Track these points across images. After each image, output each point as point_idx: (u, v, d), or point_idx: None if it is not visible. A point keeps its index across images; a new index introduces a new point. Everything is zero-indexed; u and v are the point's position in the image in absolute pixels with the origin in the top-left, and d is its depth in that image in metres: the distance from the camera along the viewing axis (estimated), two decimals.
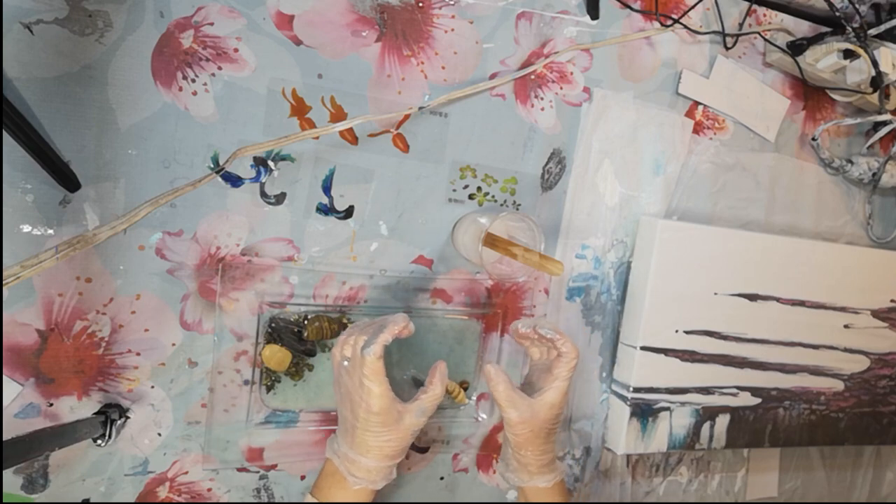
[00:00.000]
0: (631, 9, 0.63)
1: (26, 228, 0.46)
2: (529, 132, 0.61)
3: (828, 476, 0.84)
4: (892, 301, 0.75)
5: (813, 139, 0.73)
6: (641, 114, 0.65)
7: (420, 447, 0.61)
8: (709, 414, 0.67)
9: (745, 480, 0.78)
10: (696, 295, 0.64)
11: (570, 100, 0.62)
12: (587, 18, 0.62)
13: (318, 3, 0.52)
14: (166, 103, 0.49)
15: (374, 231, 0.57)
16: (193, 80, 0.50)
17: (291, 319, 0.55)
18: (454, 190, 0.59)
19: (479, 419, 0.63)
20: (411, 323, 0.48)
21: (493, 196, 0.61)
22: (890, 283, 0.75)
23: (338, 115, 0.54)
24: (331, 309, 0.56)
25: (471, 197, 0.60)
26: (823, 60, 0.69)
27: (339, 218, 0.55)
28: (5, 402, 0.47)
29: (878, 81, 0.66)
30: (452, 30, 0.57)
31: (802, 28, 0.72)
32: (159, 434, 0.52)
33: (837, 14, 0.67)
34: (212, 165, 0.51)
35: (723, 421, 0.68)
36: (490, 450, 0.64)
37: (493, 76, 0.59)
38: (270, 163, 0.53)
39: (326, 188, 0.55)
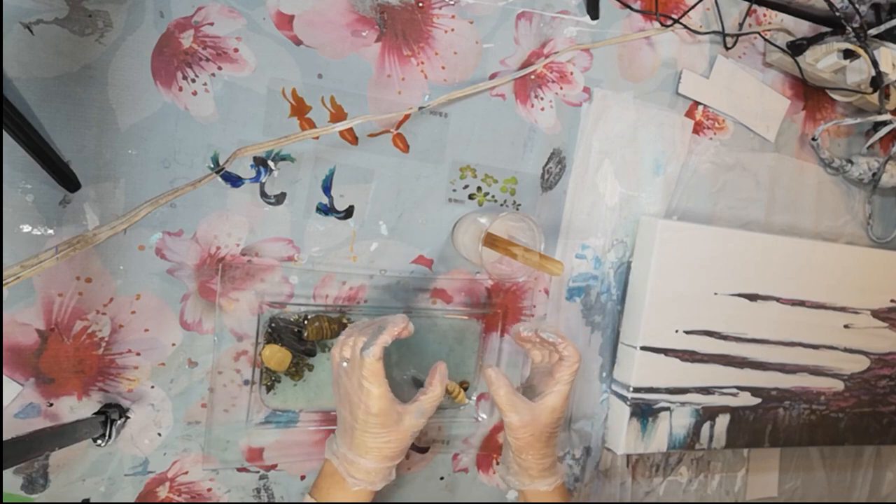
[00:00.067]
0: (631, 9, 0.63)
1: (26, 228, 0.46)
2: (529, 132, 0.61)
3: (828, 476, 0.84)
4: (892, 301, 0.75)
5: (813, 139, 0.73)
6: (641, 114, 0.65)
7: (420, 447, 0.61)
8: (709, 414, 0.67)
9: (745, 480, 0.78)
10: (696, 295, 0.64)
11: (570, 100, 0.62)
12: (587, 18, 0.62)
13: (318, 3, 0.52)
14: (166, 103, 0.49)
15: (374, 231, 0.57)
16: (193, 80, 0.50)
17: (291, 319, 0.55)
18: (454, 190, 0.59)
19: (479, 419, 0.63)
20: (411, 323, 0.48)
21: (493, 196, 0.61)
22: (890, 283, 0.75)
23: (338, 115, 0.54)
24: (331, 309, 0.56)
25: (471, 197, 0.60)
26: (823, 60, 0.69)
27: (339, 218, 0.55)
28: (5, 402, 0.47)
29: (878, 81, 0.66)
30: (452, 30, 0.57)
31: (802, 28, 0.72)
32: (159, 434, 0.52)
33: (837, 14, 0.67)
34: (212, 165, 0.51)
35: (723, 421, 0.68)
36: (490, 450, 0.64)
37: (493, 76, 0.59)
38: (270, 163, 0.53)
39: (326, 188, 0.55)
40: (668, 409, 0.65)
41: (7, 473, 0.49)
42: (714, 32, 0.67)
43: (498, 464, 0.65)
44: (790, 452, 0.80)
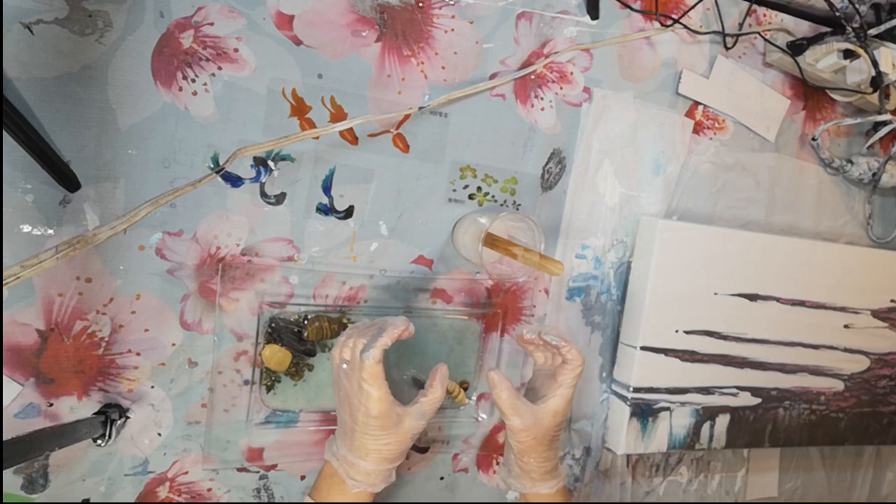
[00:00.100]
0: (631, 9, 0.63)
1: (26, 228, 0.46)
2: (529, 132, 0.61)
3: (828, 476, 0.84)
4: (892, 301, 0.75)
5: (813, 139, 0.73)
6: (641, 114, 0.65)
7: (420, 447, 0.61)
8: (709, 414, 0.67)
9: (745, 480, 0.78)
10: (696, 295, 0.64)
11: (570, 100, 0.62)
12: (587, 18, 0.62)
13: (318, 3, 0.52)
14: (166, 103, 0.49)
15: (374, 231, 0.57)
16: (193, 80, 0.50)
17: (291, 319, 0.55)
18: (454, 190, 0.59)
19: (479, 419, 0.63)
20: (411, 325, 0.48)
21: (493, 196, 0.61)
22: (890, 283, 0.75)
23: (338, 115, 0.54)
24: (331, 309, 0.56)
25: (471, 197, 0.60)
26: (823, 60, 0.69)
27: (339, 218, 0.55)
28: (5, 402, 0.47)
29: (878, 81, 0.66)
30: (452, 30, 0.57)
31: (802, 28, 0.72)
32: (159, 434, 0.52)
33: (837, 14, 0.67)
34: (212, 165, 0.51)
35: (723, 421, 0.68)
36: (490, 450, 0.64)
37: (493, 76, 0.59)
38: (270, 163, 0.53)
39: (326, 188, 0.55)
40: (668, 409, 0.65)
41: (7, 473, 0.49)
42: (714, 32, 0.67)
43: (498, 464, 0.65)
44: (790, 452, 0.80)
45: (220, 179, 0.51)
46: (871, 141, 0.77)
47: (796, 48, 0.68)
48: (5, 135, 0.43)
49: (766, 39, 0.69)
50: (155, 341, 0.51)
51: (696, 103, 0.68)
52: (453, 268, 0.60)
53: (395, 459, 0.48)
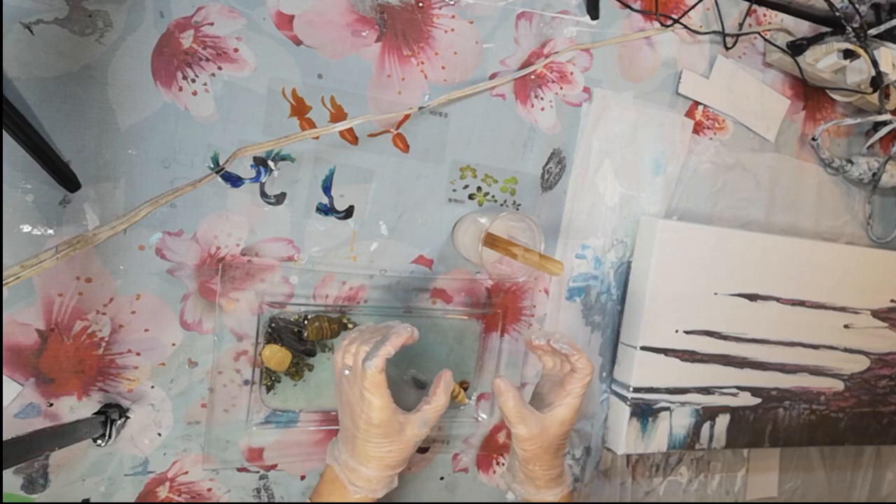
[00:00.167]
0: (631, 9, 0.63)
1: (26, 228, 0.46)
2: (529, 132, 0.61)
3: (828, 476, 0.84)
4: (892, 301, 0.75)
5: (813, 139, 0.73)
6: (641, 114, 0.65)
7: (420, 447, 0.61)
8: (709, 414, 0.67)
9: (745, 480, 0.78)
10: (696, 295, 0.64)
11: (570, 100, 0.62)
12: (587, 18, 0.62)
13: (318, 3, 0.52)
14: (166, 103, 0.49)
15: (374, 231, 0.57)
16: (193, 80, 0.50)
17: (291, 319, 0.55)
18: (454, 190, 0.59)
19: (479, 419, 0.63)
20: (416, 331, 0.47)
21: (493, 196, 0.61)
22: (890, 283, 0.75)
23: (338, 115, 0.54)
24: (331, 309, 0.56)
25: (471, 197, 0.60)
26: (823, 60, 0.69)
27: (339, 218, 0.55)
28: (5, 402, 0.47)
29: (878, 81, 0.66)
30: (452, 30, 0.57)
31: (802, 28, 0.72)
32: (159, 434, 0.52)
33: (837, 14, 0.67)
34: (212, 165, 0.51)
35: (723, 421, 0.68)
36: (490, 450, 0.64)
37: (493, 76, 0.59)
38: (270, 163, 0.53)
39: (326, 188, 0.55)
40: (668, 409, 0.65)
41: (7, 473, 0.49)
42: (714, 32, 0.67)
43: (499, 464, 0.65)
44: (790, 452, 0.80)
45: (220, 179, 0.51)
46: (871, 141, 0.77)
47: (796, 48, 0.68)
48: (5, 135, 0.43)
49: (766, 39, 0.69)
50: (155, 341, 0.51)
51: (696, 103, 0.68)
52: (453, 268, 0.60)
53: (397, 466, 0.48)
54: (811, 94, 0.74)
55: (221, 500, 0.55)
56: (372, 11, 0.54)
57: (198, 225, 0.51)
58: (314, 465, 0.58)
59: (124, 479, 0.52)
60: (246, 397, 0.54)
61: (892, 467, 0.90)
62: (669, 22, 0.64)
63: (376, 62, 0.55)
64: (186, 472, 0.54)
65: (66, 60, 0.46)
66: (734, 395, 0.68)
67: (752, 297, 0.67)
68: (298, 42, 0.52)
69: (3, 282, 0.42)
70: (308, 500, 0.49)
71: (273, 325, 0.54)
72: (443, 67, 0.57)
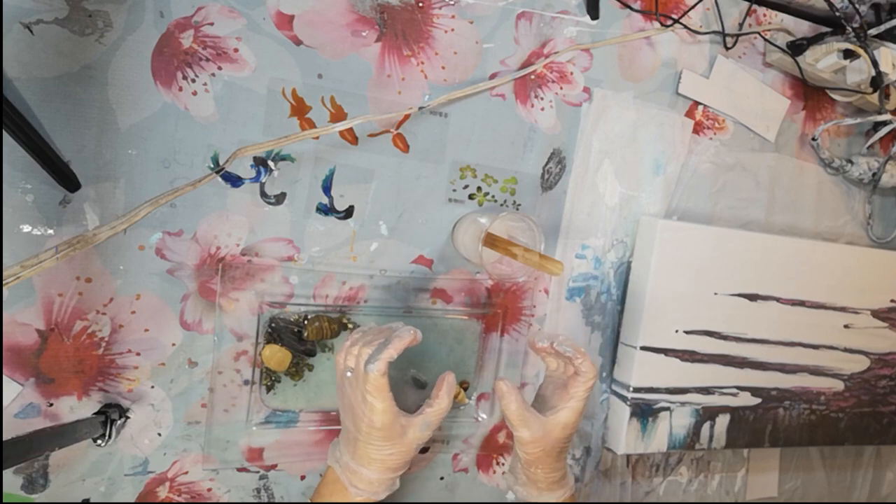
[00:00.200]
0: (631, 9, 0.63)
1: (26, 228, 0.46)
2: (529, 132, 0.61)
3: (828, 476, 0.84)
4: (892, 301, 0.75)
5: (813, 139, 0.73)
6: (641, 114, 0.65)
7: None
8: (709, 414, 0.67)
9: (745, 480, 0.78)
10: (696, 295, 0.64)
11: (570, 100, 0.62)
12: (587, 18, 0.62)
13: (318, 3, 0.52)
14: (166, 103, 0.49)
15: (374, 231, 0.57)
16: (193, 80, 0.50)
17: (291, 319, 0.55)
18: (454, 190, 0.59)
19: (479, 419, 0.63)
20: (419, 333, 0.47)
21: (493, 196, 0.61)
22: (890, 283, 0.75)
23: (338, 115, 0.54)
24: (331, 309, 0.56)
25: (471, 197, 0.60)
26: (823, 60, 0.69)
27: (339, 218, 0.55)
28: (5, 402, 0.47)
29: (878, 81, 0.66)
30: (452, 30, 0.57)
31: (802, 28, 0.72)
32: (159, 434, 0.52)
33: (837, 14, 0.67)
34: (212, 165, 0.51)
35: (723, 421, 0.68)
36: (490, 450, 0.64)
37: (493, 76, 0.59)
38: (270, 163, 0.53)
39: (326, 188, 0.55)
40: (668, 409, 0.65)
41: (7, 473, 0.49)
42: (714, 32, 0.67)
43: (499, 464, 0.65)
44: (790, 452, 0.80)
45: (220, 179, 0.51)
46: (871, 141, 0.77)
47: (796, 48, 0.68)
48: (5, 135, 0.43)
49: (766, 39, 0.69)
50: (155, 341, 0.51)
51: (696, 103, 0.68)
52: (453, 268, 0.60)
53: (398, 469, 0.47)
54: (811, 94, 0.74)
55: (221, 500, 0.55)
56: (372, 11, 0.54)
57: (198, 225, 0.51)
58: (314, 465, 0.58)
59: (124, 479, 0.52)
60: (246, 397, 0.54)
61: (892, 467, 0.90)
62: (669, 22, 0.64)
63: (376, 62, 0.55)
64: (186, 472, 0.54)
65: (66, 60, 0.46)
66: (734, 395, 0.68)
67: (752, 297, 0.67)
68: (298, 42, 0.52)
69: (3, 282, 0.42)
70: (309, 501, 0.49)
71: (273, 325, 0.54)
72: (443, 67, 0.57)
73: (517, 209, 0.61)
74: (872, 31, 0.67)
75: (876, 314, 0.74)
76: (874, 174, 0.75)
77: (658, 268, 0.62)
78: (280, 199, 0.53)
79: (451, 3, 0.56)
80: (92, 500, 0.51)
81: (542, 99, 0.61)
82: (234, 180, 0.52)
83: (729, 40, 0.67)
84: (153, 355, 0.51)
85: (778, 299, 0.68)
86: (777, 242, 0.68)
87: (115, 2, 0.47)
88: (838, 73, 0.70)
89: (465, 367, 0.62)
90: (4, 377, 0.47)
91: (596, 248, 0.65)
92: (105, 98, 0.47)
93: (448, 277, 0.60)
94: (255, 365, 0.54)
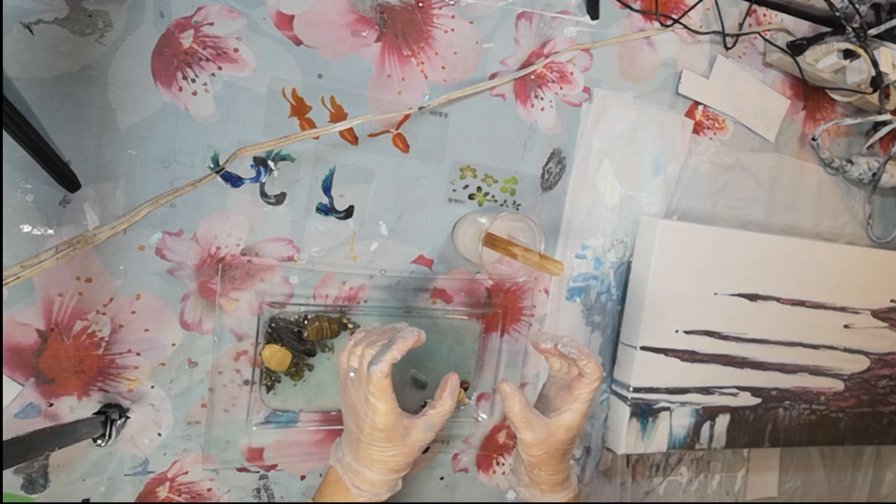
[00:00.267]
0: (631, 9, 0.63)
1: (26, 228, 0.46)
2: (529, 132, 0.61)
3: (828, 476, 0.84)
4: (892, 301, 0.75)
5: (813, 139, 0.73)
6: (641, 114, 0.65)
7: None
8: (709, 414, 0.67)
9: (745, 480, 0.78)
10: (696, 295, 0.64)
11: (570, 100, 0.62)
12: (587, 18, 0.62)
13: (318, 3, 0.52)
14: (166, 103, 0.49)
15: (374, 231, 0.57)
16: (193, 80, 0.50)
17: (291, 319, 0.55)
18: (454, 190, 0.59)
19: (479, 419, 0.63)
20: (423, 334, 0.46)
21: (493, 196, 0.61)
22: (890, 283, 0.75)
23: (338, 115, 0.54)
24: (331, 309, 0.56)
25: (471, 197, 0.60)
26: (823, 60, 0.69)
27: (339, 218, 0.55)
28: (5, 402, 0.47)
29: (878, 81, 0.66)
30: (452, 30, 0.57)
31: (802, 28, 0.72)
32: (159, 434, 0.52)
33: (837, 14, 0.67)
34: (212, 165, 0.51)
35: (723, 421, 0.68)
36: (490, 450, 0.64)
37: (493, 76, 0.59)
38: (270, 163, 0.53)
39: (326, 188, 0.55)
40: (668, 409, 0.65)
41: (7, 473, 0.49)
42: (714, 32, 0.67)
43: (499, 464, 0.65)
44: (790, 452, 0.80)
45: (220, 179, 0.51)
46: (871, 141, 0.77)
47: (796, 48, 0.68)
48: (5, 135, 0.43)
49: (766, 39, 0.69)
50: (155, 341, 0.51)
51: (696, 103, 0.68)
52: (453, 268, 0.60)
53: (401, 470, 0.47)
54: (811, 94, 0.74)
55: (221, 500, 0.55)
56: (372, 11, 0.54)
57: (198, 225, 0.51)
58: (314, 465, 0.58)
59: (124, 479, 0.52)
60: (246, 397, 0.54)
61: (892, 467, 0.90)
62: (669, 22, 0.64)
63: (376, 62, 0.55)
64: (186, 472, 0.54)
65: (66, 60, 0.46)
66: (734, 395, 0.68)
67: (752, 297, 0.67)
68: (298, 42, 0.52)
69: (3, 282, 0.42)
70: (309, 501, 0.49)
71: (273, 325, 0.54)
72: (443, 67, 0.57)
73: (517, 209, 0.61)
74: (872, 31, 0.67)
75: (876, 314, 0.74)
76: (874, 174, 0.75)
77: (658, 268, 0.62)
78: (280, 199, 0.53)
79: (451, 3, 0.56)
80: (92, 500, 0.51)
81: (542, 99, 0.61)
82: (234, 180, 0.52)
83: (729, 40, 0.67)
84: (153, 355, 0.51)
85: (778, 299, 0.68)
86: (777, 242, 0.68)
87: (115, 2, 0.47)
88: (838, 73, 0.70)
89: (465, 367, 0.62)
90: (4, 377, 0.47)
91: (596, 248, 0.65)
92: (105, 98, 0.47)
93: (448, 277, 0.60)
94: (255, 365, 0.54)
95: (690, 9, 0.65)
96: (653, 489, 0.73)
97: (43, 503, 0.50)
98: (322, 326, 0.55)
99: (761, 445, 0.71)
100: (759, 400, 0.69)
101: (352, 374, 0.47)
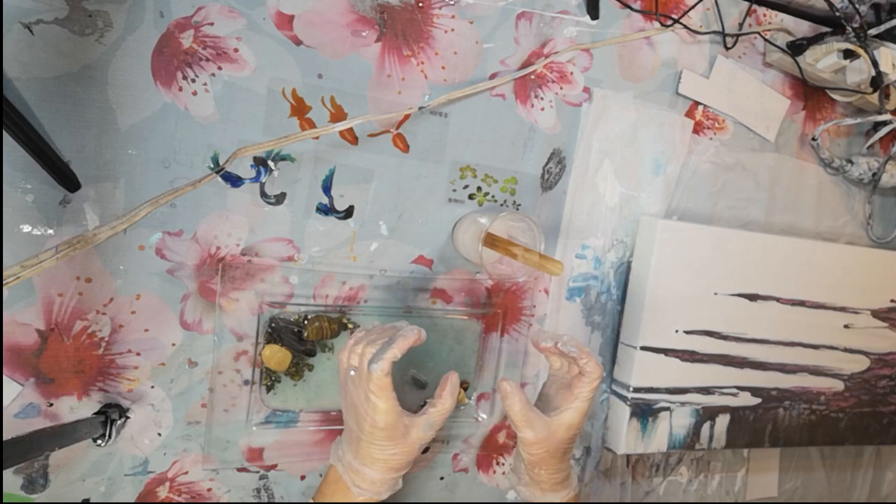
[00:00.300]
0: (631, 9, 0.63)
1: (26, 228, 0.46)
2: (529, 132, 0.61)
3: (828, 476, 0.84)
4: (892, 301, 0.75)
5: (813, 139, 0.73)
6: (641, 114, 0.65)
7: None
8: (709, 414, 0.67)
9: (745, 480, 0.78)
10: (696, 295, 0.64)
11: (570, 100, 0.62)
12: (587, 18, 0.62)
13: (318, 3, 0.52)
14: (166, 103, 0.49)
15: (374, 231, 0.57)
16: (193, 80, 0.50)
17: (291, 319, 0.55)
18: (454, 190, 0.59)
19: (479, 419, 0.63)
20: (423, 332, 0.46)
21: (493, 196, 0.61)
22: (890, 283, 0.75)
23: (338, 115, 0.54)
24: (331, 309, 0.56)
25: (471, 197, 0.60)
26: (823, 60, 0.69)
27: (339, 218, 0.55)
28: (5, 402, 0.47)
29: (878, 81, 0.66)
30: (452, 30, 0.57)
31: (802, 28, 0.72)
32: (159, 434, 0.52)
33: (837, 14, 0.67)
34: (212, 165, 0.51)
35: (723, 421, 0.68)
36: (490, 450, 0.64)
37: (493, 76, 0.59)
38: (270, 163, 0.53)
39: (326, 188, 0.55)
40: (668, 409, 0.65)
41: (7, 473, 0.49)
42: (714, 32, 0.67)
43: (499, 464, 0.65)
44: (790, 452, 0.80)
45: (220, 179, 0.51)
46: (871, 141, 0.77)
47: (796, 48, 0.68)
48: (5, 135, 0.43)
49: (766, 39, 0.69)
50: (155, 341, 0.51)
51: (696, 103, 0.68)
52: (453, 268, 0.60)
53: (401, 469, 0.47)
54: (811, 94, 0.74)
55: (221, 500, 0.55)
56: (372, 11, 0.54)
57: (198, 225, 0.51)
58: (314, 465, 0.58)
59: (124, 479, 0.52)
60: (246, 397, 0.54)
61: (892, 467, 0.90)
62: (669, 22, 0.64)
63: (376, 62, 0.55)
64: (186, 472, 0.54)
65: (66, 60, 0.46)
66: (734, 395, 0.68)
67: (752, 297, 0.67)
68: (298, 42, 0.52)
69: (3, 282, 0.42)
70: (310, 500, 0.49)
71: (273, 325, 0.54)
72: (443, 67, 0.57)
73: (517, 209, 0.61)
74: (872, 31, 0.67)
75: (876, 314, 0.74)
76: (874, 174, 0.75)
77: (658, 268, 0.62)
78: (280, 199, 0.53)
79: (451, 3, 0.56)
80: (92, 500, 0.51)
81: (542, 99, 0.61)
82: (234, 180, 0.52)
83: (729, 40, 0.67)
84: (153, 355, 0.51)
85: (778, 299, 0.68)
86: (777, 242, 0.68)
87: (115, 2, 0.47)
88: (838, 73, 0.70)
89: (464, 367, 0.62)
90: (4, 377, 0.47)
91: (596, 248, 0.65)
92: (105, 98, 0.47)
93: (448, 277, 0.60)
94: (255, 365, 0.54)
95: (690, 9, 0.65)
96: (653, 489, 0.73)
97: (43, 503, 0.50)
98: (322, 326, 0.55)
99: (761, 445, 0.71)
100: (759, 400, 0.69)
101: (352, 373, 0.47)
